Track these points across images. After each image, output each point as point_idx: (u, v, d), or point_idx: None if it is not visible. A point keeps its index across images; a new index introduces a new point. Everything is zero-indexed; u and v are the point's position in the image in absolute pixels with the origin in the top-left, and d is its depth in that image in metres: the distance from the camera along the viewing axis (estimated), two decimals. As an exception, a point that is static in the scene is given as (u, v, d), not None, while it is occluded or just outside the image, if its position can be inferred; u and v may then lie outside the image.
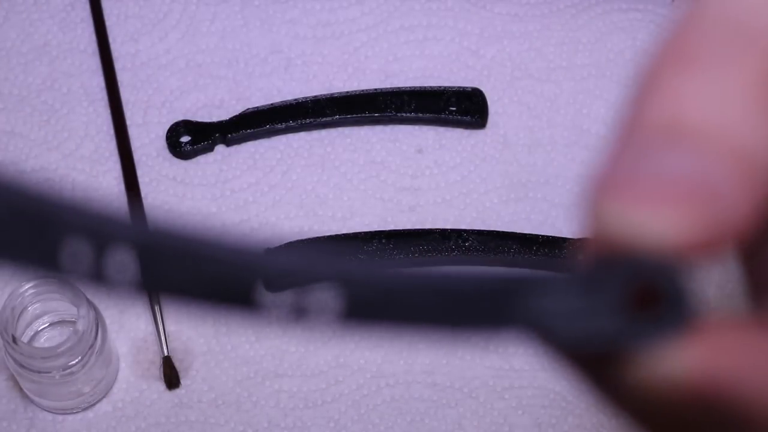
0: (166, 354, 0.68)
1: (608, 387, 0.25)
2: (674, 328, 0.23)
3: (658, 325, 0.23)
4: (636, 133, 0.24)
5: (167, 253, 0.23)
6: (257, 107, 0.75)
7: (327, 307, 0.24)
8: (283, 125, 0.74)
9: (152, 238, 0.23)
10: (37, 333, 0.68)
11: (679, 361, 0.23)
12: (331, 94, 0.75)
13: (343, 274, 0.24)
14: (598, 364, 0.25)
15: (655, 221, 0.23)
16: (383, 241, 0.71)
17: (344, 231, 0.72)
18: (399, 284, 0.25)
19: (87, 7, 0.78)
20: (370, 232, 0.71)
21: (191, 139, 0.74)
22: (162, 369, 0.68)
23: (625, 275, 0.23)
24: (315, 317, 0.24)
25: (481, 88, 0.75)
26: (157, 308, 0.69)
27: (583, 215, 0.24)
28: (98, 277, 0.23)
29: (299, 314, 0.24)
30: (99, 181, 0.73)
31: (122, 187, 0.73)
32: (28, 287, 0.63)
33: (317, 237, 0.71)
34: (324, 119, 0.74)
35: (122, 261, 0.23)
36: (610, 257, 0.24)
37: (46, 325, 0.68)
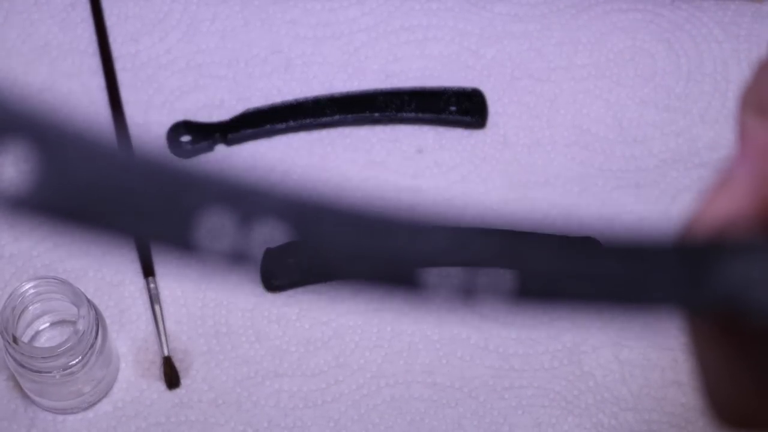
0: (166, 354, 0.68)
1: None
2: None
3: None
4: None
5: (327, 219, 0.22)
6: (257, 107, 0.75)
7: (497, 286, 0.22)
8: (283, 125, 0.74)
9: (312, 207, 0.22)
10: (37, 333, 0.68)
11: None
12: (331, 94, 0.75)
13: (509, 249, 0.22)
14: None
15: None
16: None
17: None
18: (576, 258, 0.22)
19: (87, 7, 0.78)
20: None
21: (191, 139, 0.74)
22: (162, 369, 0.68)
23: None
24: (485, 298, 0.22)
25: (481, 88, 0.75)
26: (157, 308, 0.69)
27: (761, 187, 0.22)
28: (242, 252, 0.22)
29: (468, 294, 0.22)
30: (99, 181, 0.73)
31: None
32: (28, 287, 0.63)
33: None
34: (324, 119, 0.74)
35: (269, 231, 0.22)
36: None
37: (47, 325, 0.68)
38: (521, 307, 0.22)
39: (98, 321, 0.63)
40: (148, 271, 0.70)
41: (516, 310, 0.22)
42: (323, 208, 0.22)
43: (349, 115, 0.75)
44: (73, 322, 0.63)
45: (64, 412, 0.67)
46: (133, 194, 0.21)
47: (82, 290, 0.63)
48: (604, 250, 0.22)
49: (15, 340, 0.62)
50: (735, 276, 0.22)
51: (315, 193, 0.22)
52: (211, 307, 0.70)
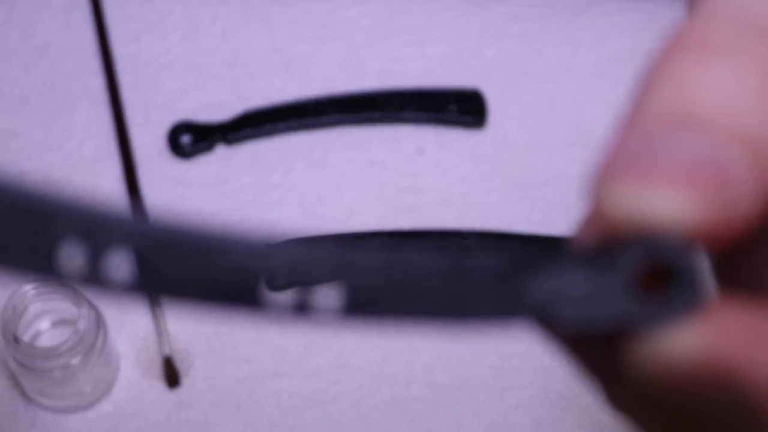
0: (167, 353, 0.68)
1: (613, 371, 0.25)
2: (684, 308, 0.23)
3: (669, 306, 0.23)
4: (645, 119, 0.24)
5: (168, 250, 0.23)
6: (258, 107, 0.75)
7: (330, 302, 0.23)
8: (283, 125, 0.74)
9: (153, 235, 0.23)
10: (38, 333, 0.68)
11: (688, 341, 0.23)
12: (331, 94, 0.75)
13: (344, 261, 0.23)
14: (602, 347, 0.25)
15: (665, 201, 0.23)
16: (383, 240, 0.71)
17: (344, 231, 0.72)
18: (401, 269, 0.24)
19: (88, 7, 0.78)
20: (370, 232, 0.71)
21: (192, 139, 0.74)
22: (163, 368, 0.68)
23: (634, 256, 0.23)
24: (318, 313, 0.23)
25: (481, 88, 0.76)
26: (157, 308, 0.69)
27: (589, 195, 0.24)
28: (95, 279, 0.22)
29: (302, 311, 0.23)
30: (100, 182, 0.73)
31: (123, 187, 0.73)
32: (29, 287, 0.63)
33: (319, 235, 0.71)
34: (324, 119, 0.75)
35: (120, 261, 0.22)
36: (619, 238, 0.23)
37: (47, 324, 0.68)
38: (353, 320, 0.23)
39: (99, 320, 0.63)
40: (148, 271, 0.70)
41: (348, 322, 0.23)
42: (168, 235, 0.23)
43: (349, 115, 0.75)
44: (74, 322, 0.63)
45: (64, 411, 0.67)
46: None
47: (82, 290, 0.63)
48: (430, 264, 0.24)
49: (16, 339, 0.62)
50: (541, 292, 0.23)
51: (160, 222, 0.23)
52: (212, 306, 0.70)
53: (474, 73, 0.77)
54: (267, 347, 0.69)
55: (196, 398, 0.68)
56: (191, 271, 0.23)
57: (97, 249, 0.23)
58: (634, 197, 0.23)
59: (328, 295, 0.23)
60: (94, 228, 0.23)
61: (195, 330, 0.69)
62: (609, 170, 0.24)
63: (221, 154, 0.74)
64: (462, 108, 0.75)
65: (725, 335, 0.23)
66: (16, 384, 0.67)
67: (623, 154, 0.24)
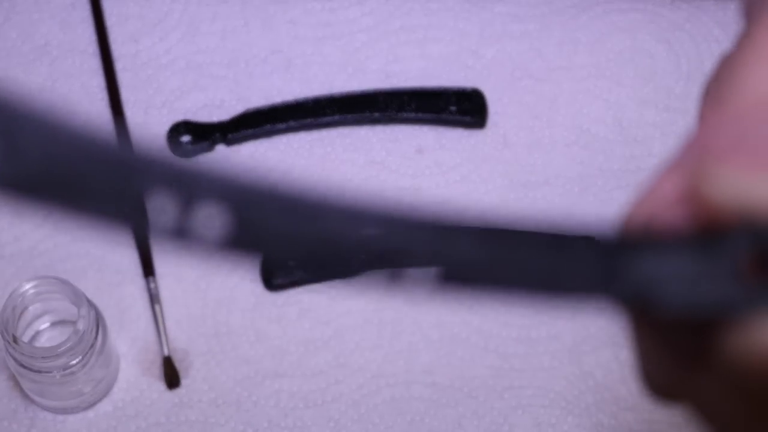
0: (166, 354, 0.68)
1: (702, 357, 0.24)
2: None
3: None
4: (741, 103, 0.24)
5: (263, 208, 0.23)
6: (257, 107, 0.75)
7: (425, 273, 0.23)
8: (283, 125, 0.74)
9: (247, 192, 0.23)
10: (37, 333, 0.68)
11: None
12: (331, 94, 0.75)
13: (439, 237, 0.23)
14: (699, 333, 0.24)
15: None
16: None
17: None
18: (499, 245, 0.24)
19: (87, 7, 0.78)
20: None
21: (191, 139, 0.74)
22: (162, 369, 0.68)
23: (741, 241, 0.23)
24: (413, 284, 0.23)
25: (481, 88, 0.75)
26: (157, 308, 0.69)
27: (685, 179, 0.23)
28: (183, 232, 0.22)
29: (396, 277, 0.23)
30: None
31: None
32: (28, 287, 0.63)
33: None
34: (324, 119, 0.74)
35: (210, 214, 0.22)
36: (722, 223, 0.23)
37: (47, 324, 0.68)
38: (448, 292, 0.23)
39: (98, 321, 0.63)
40: (148, 271, 0.70)
41: (443, 293, 0.23)
42: (267, 195, 0.23)
43: (349, 115, 0.75)
44: (73, 322, 0.63)
45: (64, 411, 0.67)
46: (75, 174, 0.22)
47: (82, 290, 0.63)
48: (532, 240, 0.24)
49: (15, 340, 0.62)
50: (643, 273, 0.23)
51: (259, 181, 0.23)
52: (211, 307, 0.70)
53: (474, 73, 0.77)
54: (267, 347, 0.69)
55: (195, 398, 0.68)
56: (286, 232, 0.23)
57: (187, 204, 0.22)
58: (739, 182, 0.23)
59: (423, 270, 0.23)
60: (186, 183, 0.23)
61: (194, 330, 0.69)
62: (711, 155, 0.23)
63: (221, 153, 0.74)
64: (462, 108, 0.75)
65: None
66: (16, 384, 0.67)
67: (723, 140, 0.23)
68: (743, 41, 0.25)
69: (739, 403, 0.24)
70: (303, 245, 0.23)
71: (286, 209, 0.23)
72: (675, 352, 0.25)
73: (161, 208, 0.22)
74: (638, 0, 0.79)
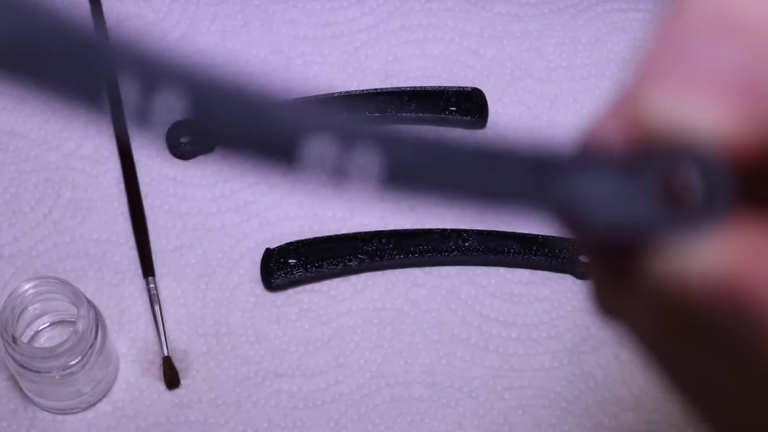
0: (166, 354, 0.68)
1: (628, 277, 0.24)
2: (708, 223, 0.23)
3: (694, 218, 0.23)
4: (683, 22, 0.23)
5: (218, 92, 0.23)
6: (257, 107, 0.75)
7: (367, 170, 0.23)
8: (283, 125, 0.74)
9: (206, 77, 0.23)
10: (37, 333, 0.68)
11: (707, 256, 0.23)
12: (331, 94, 0.75)
13: (384, 134, 0.23)
14: (623, 253, 0.24)
15: (702, 111, 0.22)
16: (383, 240, 0.71)
17: (344, 231, 0.72)
18: (439, 146, 0.24)
19: (87, 7, 0.78)
20: (369, 232, 0.71)
21: (191, 139, 0.74)
22: (162, 369, 0.68)
23: (666, 164, 0.23)
24: (355, 180, 0.23)
25: (481, 88, 0.75)
26: (157, 308, 0.69)
27: (626, 97, 0.23)
28: (143, 116, 0.23)
29: (339, 176, 0.23)
30: (99, 181, 0.73)
31: (122, 187, 0.73)
32: (28, 287, 0.63)
33: (317, 238, 0.71)
34: (324, 119, 0.74)
35: (170, 100, 0.23)
36: (652, 144, 0.23)
37: (46, 325, 0.68)
38: (389, 192, 0.24)
39: (98, 321, 0.63)
40: (148, 271, 0.70)
41: (383, 193, 0.24)
42: (218, 84, 0.24)
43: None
44: (73, 322, 0.63)
45: (63, 412, 0.67)
46: (49, 56, 0.22)
47: (82, 290, 0.63)
48: (476, 148, 0.24)
49: (14, 340, 0.62)
50: (571, 188, 0.24)
51: (212, 70, 0.23)
52: (211, 307, 0.70)
53: (474, 73, 0.77)
54: (266, 347, 0.69)
55: (195, 399, 0.68)
56: (242, 123, 0.23)
57: (149, 88, 0.23)
58: (671, 105, 0.23)
59: (365, 165, 0.23)
60: (148, 69, 0.23)
61: (194, 330, 0.69)
62: (648, 75, 0.23)
63: (221, 154, 0.74)
64: (462, 108, 0.75)
65: (743, 255, 0.23)
66: (15, 384, 0.67)
67: (662, 60, 0.23)
68: None
69: (661, 324, 0.25)
70: (246, 131, 0.24)
71: (237, 97, 0.24)
72: (610, 272, 0.26)
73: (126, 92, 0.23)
74: (638, 0, 0.79)
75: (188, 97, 0.23)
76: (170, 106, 0.23)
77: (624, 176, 0.23)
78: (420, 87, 0.75)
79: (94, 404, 0.67)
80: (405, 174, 0.24)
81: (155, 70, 0.23)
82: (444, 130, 0.75)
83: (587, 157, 0.24)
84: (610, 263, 0.25)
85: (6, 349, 0.62)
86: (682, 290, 0.23)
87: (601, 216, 0.23)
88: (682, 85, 0.23)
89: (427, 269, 0.71)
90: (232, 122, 0.24)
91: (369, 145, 0.23)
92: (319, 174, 0.24)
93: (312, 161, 0.23)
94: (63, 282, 0.63)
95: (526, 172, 0.24)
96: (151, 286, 0.69)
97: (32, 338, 0.67)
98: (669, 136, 0.23)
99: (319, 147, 0.23)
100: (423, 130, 0.75)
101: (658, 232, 0.23)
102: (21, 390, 0.67)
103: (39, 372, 0.62)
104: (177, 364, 0.68)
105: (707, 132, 0.22)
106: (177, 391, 0.68)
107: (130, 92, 0.23)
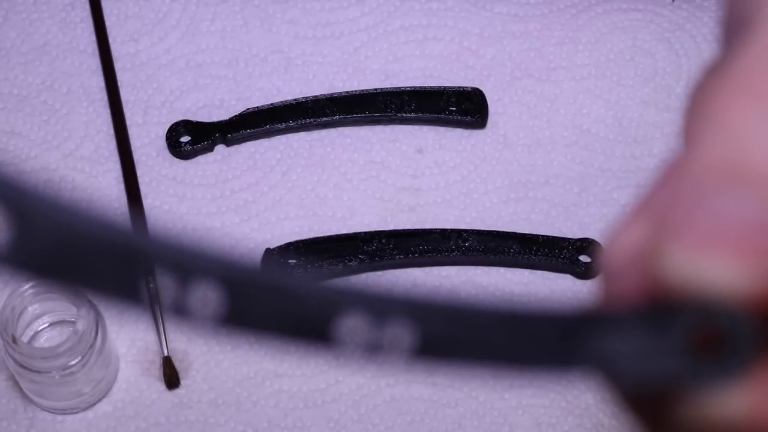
0: (166, 354, 0.68)
1: (664, 424, 0.26)
2: (735, 371, 0.24)
3: (721, 368, 0.24)
4: (697, 170, 0.24)
5: (250, 288, 0.25)
6: (257, 107, 0.75)
7: (400, 342, 0.25)
8: (283, 125, 0.74)
9: (236, 274, 0.24)
10: (37, 333, 0.68)
11: (736, 402, 0.24)
12: (331, 94, 0.75)
13: (416, 307, 0.25)
14: (656, 402, 0.26)
15: (721, 270, 0.23)
16: (383, 241, 0.71)
17: (344, 231, 0.71)
18: (468, 320, 0.26)
19: (87, 7, 0.78)
20: (369, 232, 0.71)
21: (191, 139, 0.74)
22: (162, 369, 0.68)
23: (690, 319, 0.24)
24: (388, 353, 0.25)
25: (481, 88, 0.75)
26: (157, 308, 0.69)
27: (643, 254, 0.24)
28: (181, 310, 0.24)
29: (373, 349, 0.25)
30: (99, 181, 0.73)
31: (122, 187, 0.73)
32: (28, 287, 0.63)
33: (317, 238, 0.71)
34: (324, 119, 0.74)
35: (205, 295, 0.24)
36: (674, 299, 0.24)
37: (46, 325, 0.68)
38: (421, 363, 0.26)
39: (98, 321, 0.63)
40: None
41: (416, 365, 0.26)
42: (253, 275, 0.25)
43: (349, 115, 0.75)
44: (73, 322, 0.63)
45: (63, 412, 0.67)
46: (83, 257, 0.24)
47: (82, 290, 0.63)
48: (496, 316, 0.26)
49: (14, 340, 0.62)
50: (599, 349, 0.26)
51: (245, 261, 0.25)
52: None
53: (474, 73, 0.77)
54: (267, 347, 0.69)
55: (195, 399, 0.68)
56: (270, 311, 0.25)
57: (184, 283, 0.24)
58: (690, 264, 0.23)
59: (398, 339, 0.25)
60: (181, 263, 0.24)
61: (194, 331, 0.69)
62: (667, 228, 0.24)
63: (220, 154, 0.74)
64: (462, 108, 0.75)
65: (765, 399, 0.24)
66: (15, 384, 0.67)
67: (677, 213, 0.24)
68: (718, 76, 0.25)
69: None
70: (281, 323, 0.26)
71: (270, 288, 0.25)
72: (643, 417, 0.27)
73: (161, 287, 0.24)
74: (638, 0, 0.79)
75: (223, 290, 0.25)
76: (205, 300, 0.25)
77: (649, 330, 0.25)
78: (420, 87, 0.75)
79: (94, 404, 0.67)
80: (438, 344, 0.25)
81: (191, 265, 0.24)
82: (444, 130, 0.75)
83: (611, 314, 0.25)
84: (643, 410, 0.27)
85: (6, 349, 0.62)
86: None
87: (632, 372, 0.25)
88: (700, 244, 0.23)
89: (427, 269, 0.71)
90: (263, 311, 0.25)
91: (401, 317, 0.25)
92: (353, 351, 0.25)
93: (346, 338, 0.25)
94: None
95: (555, 336, 0.26)
96: (151, 286, 0.69)
97: (32, 338, 0.67)
98: (691, 292, 0.24)
99: (352, 324, 0.24)
100: (423, 130, 0.75)
101: (688, 381, 0.24)
102: (21, 390, 0.67)
103: (39, 372, 0.62)
104: (177, 364, 0.68)
105: (727, 287, 0.23)
106: (177, 391, 0.68)
107: (167, 286, 0.24)
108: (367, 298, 0.24)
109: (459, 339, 0.26)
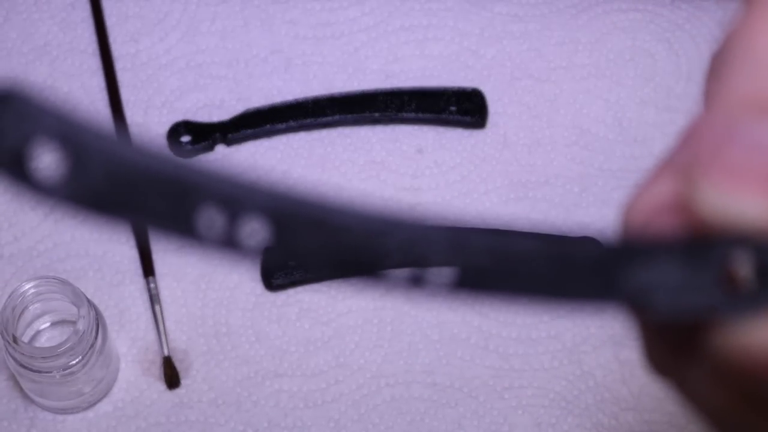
0: (166, 354, 0.68)
1: (693, 355, 0.26)
2: (764, 302, 0.24)
3: (755, 300, 0.24)
4: (727, 103, 0.24)
5: (297, 222, 0.24)
6: (257, 107, 0.75)
7: (442, 278, 0.25)
8: (283, 125, 0.74)
9: (285, 207, 0.24)
10: (37, 333, 0.68)
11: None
12: (331, 94, 0.75)
13: (458, 242, 0.25)
14: (686, 333, 0.26)
15: (754, 205, 0.24)
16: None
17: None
18: (508, 252, 0.26)
19: (87, 7, 0.78)
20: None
21: (191, 139, 0.74)
22: (162, 369, 0.68)
23: (725, 252, 0.24)
24: (431, 287, 0.25)
25: (481, 88, 0.75)
26: (157, 308, 0.69)
27: (678, 188, 0.25)
28: (230, 243, 0.24)
29: (417, 284, 0.25)
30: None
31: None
32: (28, 287, 0.63)
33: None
34: (324, 119, 0.74)
35: (254, 227, 0.24)
36: (711, 234, 0.24)
37: (47, 324, 0.68)
38: (462, 296, 0.26)
39: (98, 321, 0.63)
40: (148, 271, 0.70)
41: (458, 298, 0.26)
42: (301, 208, 0.25)
43: (349, 115, 0.75)
44: (73, 322, 0.63)
45: (64, 412, 0.67)
46: (135, 191, 0.24)
47: (82, 290, 0.63)
48: (536, 248, 0.26)
49: (15, 340, 0.62)
50: (636, 281, 0.25)
51: (294, 193, 0.25)
52: (211, 307, 0.70)
53: (474, 73, 0.77)
54: (266, 347, 0.69)
55: (195, 398, 0.68)
56: (318, 243, 0.25)
57: (234, 216, 0.24)
58: (725, 199, 0.24)
59: (440, 272, 0.25)
60: (232, 197, 0.24)
61: (194, 330, 0.69)
62: (699, 166, 0.24)
63: (221, 154, 0.74)
64: (462, 108, 0.75)
65: None
66: (16, 384, 0.67)
67: (708, 148, 0.24)
68: (740, 18, 0.26)
69: (720, 395, 0.26)
70: (329, 255, 0.25)
71: (317, 221, 0.25)
72: (668, 342, 0.27)
73: (209, 220, 0.24)
74: (638, 0, 0.79)
75: (272, 225, 0.25)
76: (256, 234, 0.25)
77: (685, 264, 0.25)
78: (420, 87, 0.75)
79: (95, 404, 0.67)
80: (476, 278, 0.25)
81: (240, 198, 0.24)
82: (444, 130, 0.75)
83: (645, 247, 0.25)
84: (674, 336, 0.27)
85: (6, 349, 0.62)
86: (745, 363, 0.25)
87: (667, 304, 0.25)
88: (732, 177, 0.24)
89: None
90: (314, 246, 0.25)
91: (441, 251, 0.25)
92: (397, 285, 0.25)
93: (391, 274, 0.25)
94: (63, 282, 0.63)
95: (591, 269, 0.26)
96: (152, 285, 0.69)
97: (33, 338, 0.68)
98: (724, 225, 0.24)
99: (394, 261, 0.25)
100: (423, 130, 0.75)
101: (723, 314, 0.25)
102: (21, 390, 0.67)
103: (39, 372, 0.62)
104: (177, 364, 0.68)
105: (759, 221, 0.24)
106: (177, 391, 0.68)
107: (215, 220, 0.24)
108: (409, 232, 0.25)
109: (498, 272, 0.26)
